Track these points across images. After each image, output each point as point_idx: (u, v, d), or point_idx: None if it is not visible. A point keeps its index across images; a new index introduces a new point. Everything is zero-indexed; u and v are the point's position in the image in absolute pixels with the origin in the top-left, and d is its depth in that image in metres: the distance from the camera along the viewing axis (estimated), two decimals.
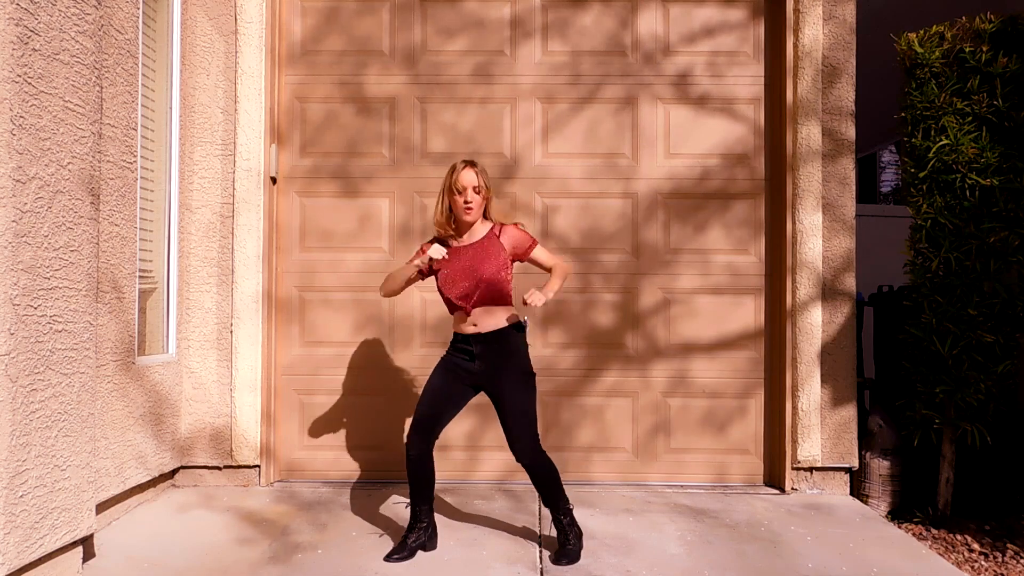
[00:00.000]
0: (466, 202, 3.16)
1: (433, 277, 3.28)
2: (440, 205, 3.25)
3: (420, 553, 3.26)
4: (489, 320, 3.16)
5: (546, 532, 3.52)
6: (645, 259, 4.40)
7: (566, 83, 4.43)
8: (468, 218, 3.19)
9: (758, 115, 4.43)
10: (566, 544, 3.21)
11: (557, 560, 3.18)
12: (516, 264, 3.30)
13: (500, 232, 3.24)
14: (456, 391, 3.22)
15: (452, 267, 3.19)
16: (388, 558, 3.19)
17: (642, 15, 4.44)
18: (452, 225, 3.25)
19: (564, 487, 3.24)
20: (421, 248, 3.30)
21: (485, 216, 3.27)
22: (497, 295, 3.17)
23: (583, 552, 3.24)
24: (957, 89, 3.91)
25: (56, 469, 2.82)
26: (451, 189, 3.18)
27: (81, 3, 2.95)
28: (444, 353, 3.30)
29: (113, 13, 3.42)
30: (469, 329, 3.17)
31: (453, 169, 3.21)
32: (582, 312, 4.39)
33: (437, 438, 3.25)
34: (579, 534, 3.25)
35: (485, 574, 3.06)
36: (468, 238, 3.24)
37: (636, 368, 4.39)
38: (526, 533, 3.52)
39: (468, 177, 3.16)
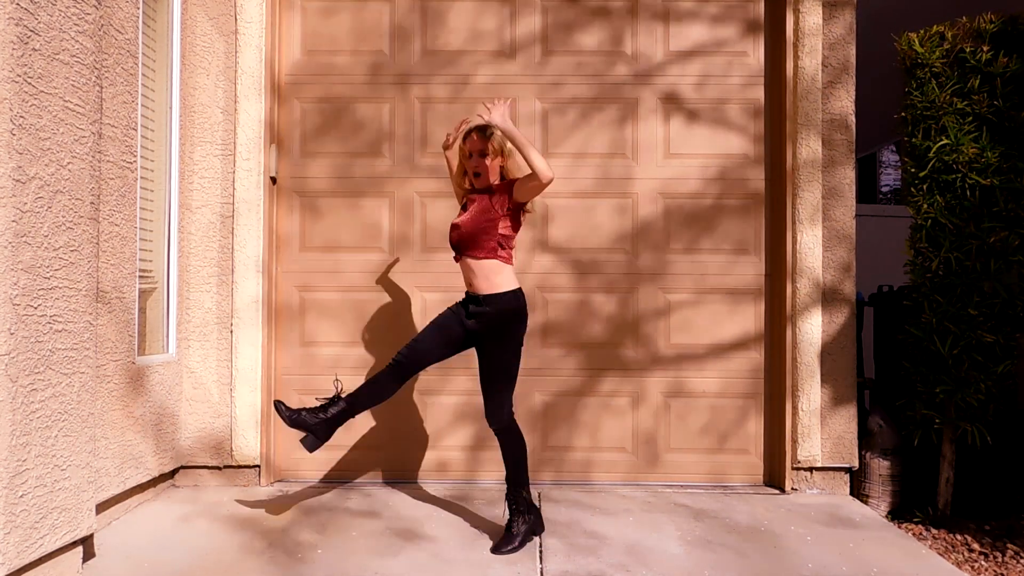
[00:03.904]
0: (474, 170, 3.28)
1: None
2: (455, 163, 3.44)
3: (420, 553, 3.26)
4: (483, 283, 3.25)
5: (547, 532, 3.52)
6: (646, 262, 4.40)
7: (566, 87, 4.42)
8: (479, 185, 3.30)
9: (758, 121, 4.42)
10: (511, 527, 3.27)
11: (497, 548, 3.24)
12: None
13: (501, 185, 3.32)
14: (452, 337, 3.32)
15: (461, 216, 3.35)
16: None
17: (642, 22, 4.44)
18: (467, 185, 3.39)
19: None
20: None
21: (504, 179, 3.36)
22: (478, 245, 3.24)
23: (584, 551, 3.25)
24: (957, 89, 3.91)
25: (56, 469, 2.82)
26: (464, 154, 3.32)
27: (81, 3, 2.95)
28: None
29: (113, 13, 3.42)
30: (467, 286, 3.32)
31: (469, 131, 3.32)
32: (583, 314, 4.39)
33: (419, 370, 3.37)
34: (528, 523, 3.32)
35: (486, 573, 3.06)
36: None
37: (637, 369, 4.39)
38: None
39: (475, 144, 3.27)
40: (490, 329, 3.24)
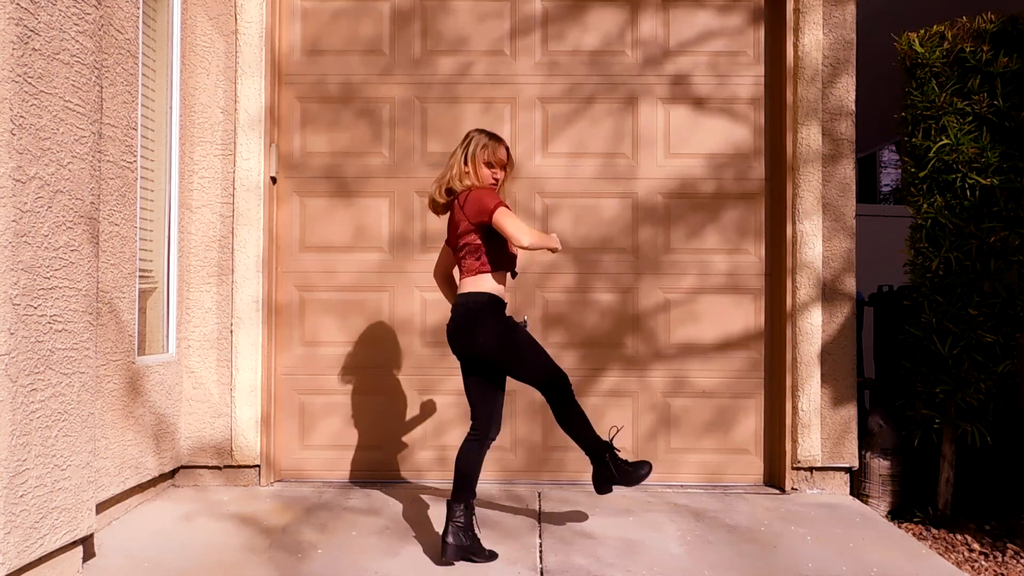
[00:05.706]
0: (495, 178, 3.27)
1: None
2: (472, 170, 3.20)
3: (420, 553, 3.26)
4: None
5: (547, 532, 3.52)
6: (645, 259, 4.40)
7: (566, 83, 4.43)
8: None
9: (758, 116, 4.42)
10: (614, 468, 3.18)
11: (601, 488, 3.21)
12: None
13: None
14: None
15: None
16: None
17: (643, 17, 4.44)
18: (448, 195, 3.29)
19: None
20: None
21: None
22: None
23: (584, 550, 3.24)
24: (957, 89, 3.92)
25: (56, 469, 2.82)
26: (487, 162, 3.22)
27: (81, 3, 2.95)
28: (504, 318, 3.25)
29: (113, 13, 3.42)
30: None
31: (488, 137, 3.23)
32: (582, 313, 4.39)
33: None
34: (624, 464, 3.23)
35: (486, 573, 3.06)
36: None
37: (636, 369, 4.39)
38: (527, 534, 3.51)
39: (503, 154, 3.26)
40: None
